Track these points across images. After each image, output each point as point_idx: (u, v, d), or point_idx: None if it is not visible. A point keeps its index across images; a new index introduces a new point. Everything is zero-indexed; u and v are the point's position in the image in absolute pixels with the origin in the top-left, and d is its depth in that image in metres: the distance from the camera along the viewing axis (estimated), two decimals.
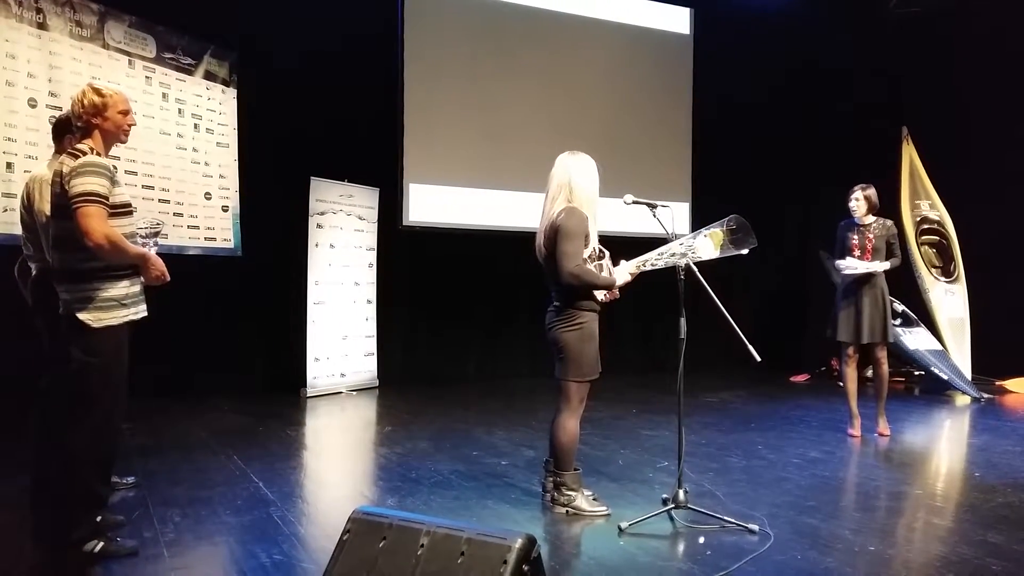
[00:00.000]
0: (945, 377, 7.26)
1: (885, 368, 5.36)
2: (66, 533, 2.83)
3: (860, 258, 5.21)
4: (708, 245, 3.43)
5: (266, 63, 6.85)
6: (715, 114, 8.97)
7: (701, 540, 3.20)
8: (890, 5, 8.39)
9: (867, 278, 5.19)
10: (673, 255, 3.42)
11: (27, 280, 3.47)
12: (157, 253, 3.04)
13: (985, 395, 7.10)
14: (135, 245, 2.90)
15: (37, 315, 3.39)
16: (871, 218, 5.28)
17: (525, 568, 2.00)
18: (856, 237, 5.26)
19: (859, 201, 5.26)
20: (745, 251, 3.52)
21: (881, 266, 5.19)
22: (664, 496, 3.56)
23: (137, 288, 2.95)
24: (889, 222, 5.34)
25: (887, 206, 5.47)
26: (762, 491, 3.93)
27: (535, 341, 7.58)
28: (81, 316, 2.78)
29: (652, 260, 3.46)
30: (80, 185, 2.72)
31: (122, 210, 2.88)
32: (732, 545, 3.11)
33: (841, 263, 5.28)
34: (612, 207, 3.93)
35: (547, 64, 8.29)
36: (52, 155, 3.57)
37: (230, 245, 6.67)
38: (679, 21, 9.15)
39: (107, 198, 2.77)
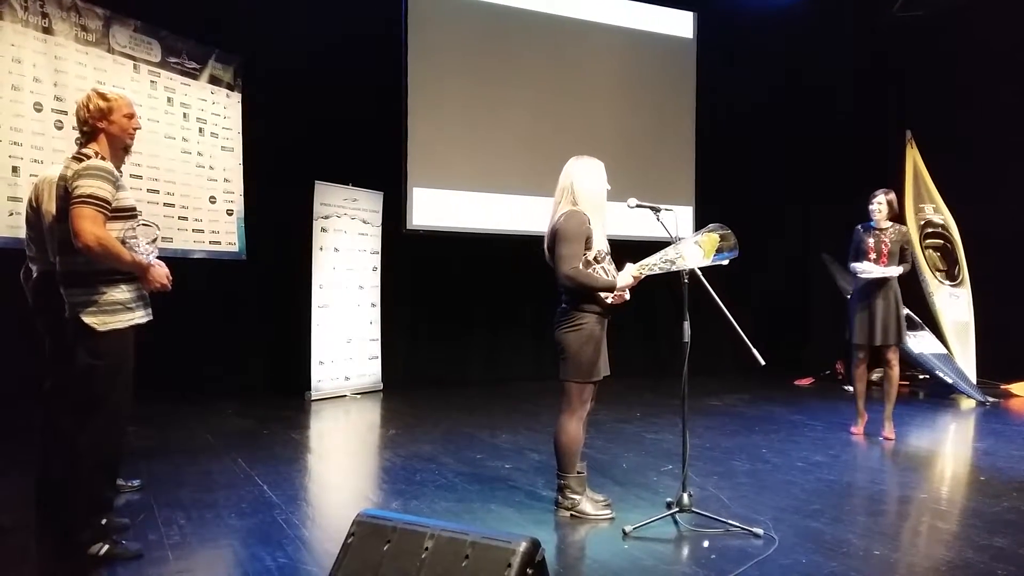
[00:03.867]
0: (950, 381, 7.25)
1: (896, 371, 5.40)
2: (71, 536, 2.83)
3: (876, 262, 5.27)
4: (698, 253, 3.42)
5: (270, 67, 6.87)
6: (718, 117, 8.98)
7: (706, 544, 3.20)
8: (893, 8, 8.39)
9: (882, 281, 5.25)
10: (666, 260, 3.41)
11: (29, 282, 3.48)
12: (160, 258, 3.05)
13: (990, 399, 7.08)
14: (134, 253, 2.89)
15: (38, 317, 3.40)
16: (888, 223, 5.31)
17: (529, 572, 2.00)
18: (872, 241, 5.30)
19: (881, 205, 5.31)
20: (725, 262, 3.51)
21: (896, 271, 5.25)
22: (668, 500, 3.56)
23: (142, 292, 2.96)
24: (904, 227, 5.41)
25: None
26: (767, 495, 3.93)
27: (539, 344, 7.61)
28: (87, 320, 2.79)
29: (651, 264, 3.46)
30: (81, 187, 2.74)
31: (124, 214, 2.89)
32: (737, 549, 3.11)
33: (857, 266, 5.33)
34: (616, 211, 3.93)
35: (550, 68, 8.30)
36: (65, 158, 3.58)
37: (235, 249, 6.68)
38: (682, 25, 9.16)
39: (108, 202, 2.78)
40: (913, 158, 8.22)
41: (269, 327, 7.04)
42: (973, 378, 7.46)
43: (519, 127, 8.09)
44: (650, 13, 8.95)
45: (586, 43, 8.53)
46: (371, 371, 7.27)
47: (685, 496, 3.38)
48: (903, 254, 5.28)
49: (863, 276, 5.28)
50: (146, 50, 5.97)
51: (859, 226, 5.44)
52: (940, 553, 3.18)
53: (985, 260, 7.75)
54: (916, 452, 5.20)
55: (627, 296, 3.50)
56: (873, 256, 5.27)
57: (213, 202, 6.50)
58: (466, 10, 7.94)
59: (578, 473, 3.53)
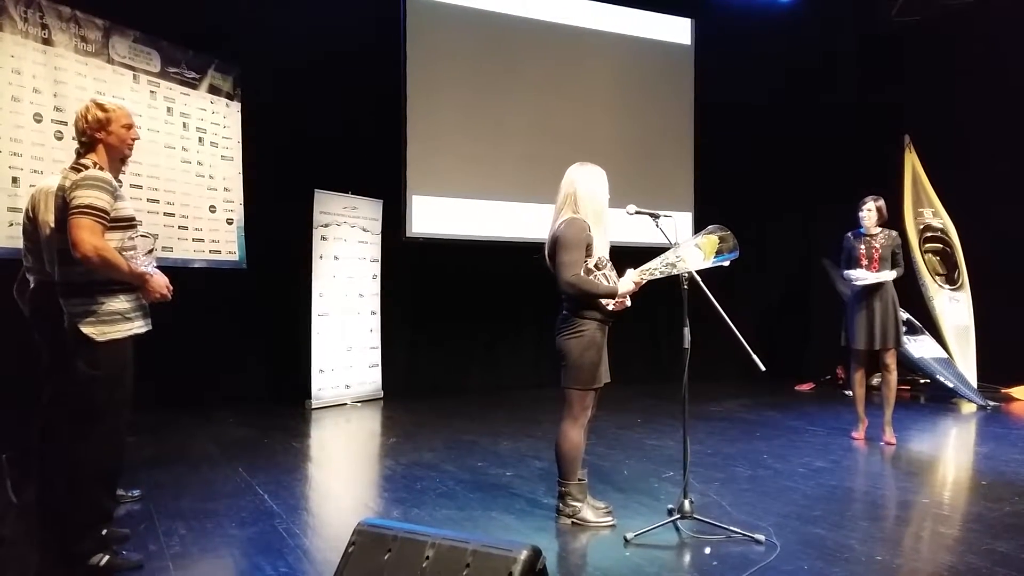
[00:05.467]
0: (951, 385, 7.24)
1: (894, 375, 5.42)
2: (71, 546, 2.83)
3: (867, 268, 5.32)
4: (698, 255, 3.42)
5: (270, 76, 6.88)
6: (717, 124, 8.99)
7: (707, 550, 3.19)
8: (891, 13, 8.41)
9: (877, 286, 5.29)
10: (667, 264, 3.42)
11: (25, 293, 3.47)
12: (161, 267, 3.05)
13: (991, 403, 7.07)
14: (133, 264, 2.88)
15: (35, 328, 3.40)
16: (877, 229, 5.34)
17: None
18: (863, 247, 5.34)
19: (871, 212, 5.34)
20: (726, 263, 3.52)
21: (889, 275, 5.29)
22: (670, 506, 3.55)
23: (141, 302, 2.96)
24: (894, 232, 5.42)
25: (890, 214, 5.51)
26: (768, 501, 3.92)
27: (539, 351, 7.61)
28: (85, 330, 2.78)
29: (652, 269, 3.46)
30: (79, 198, 2.74)
31: (123, 224, 2.89)
32: (738, 555, 3.10)
33: (851, 273, 5.36)
34: (615, 217, 3.94)
35: (549, 75, 8.32)
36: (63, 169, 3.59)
37: (235, 257, 6.69)
38: (680, 32, 9.19)
39: (107, 212, 2.78)
40: (912, 162, 8.23)
41: (269, 336, 7.04)
42: (974, 382, 7.45)
43: (518, 134, 8.10)
44: (648, 20, 8.97)
45: (584, 50, 8.56)
46: (371, 379, 7.26)
47: (686, 503, 3.37)
48: (894, 259, 5.33)
49: (858, 283, 5.31)
50: (146, 60, 5.99)
51: (849, 233, 5.48)
52: (942, 558, 3.17)
53: (985, 264, 7.75)
54: (917, 457, 5.20)
55: (628, 302, 3.49)
56: (865, 262, 5.32)
57: (213, 211, 6.51)
58: (465, 18, 7.96)
59: (579, 480, 3.52)
